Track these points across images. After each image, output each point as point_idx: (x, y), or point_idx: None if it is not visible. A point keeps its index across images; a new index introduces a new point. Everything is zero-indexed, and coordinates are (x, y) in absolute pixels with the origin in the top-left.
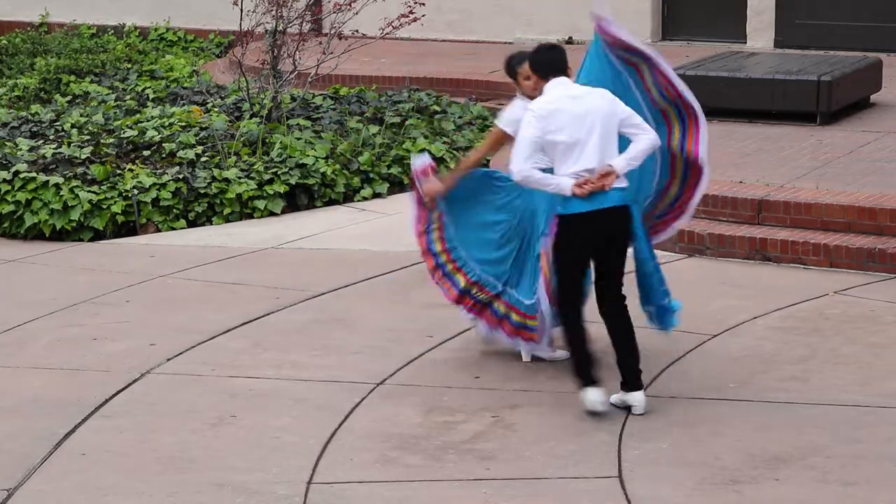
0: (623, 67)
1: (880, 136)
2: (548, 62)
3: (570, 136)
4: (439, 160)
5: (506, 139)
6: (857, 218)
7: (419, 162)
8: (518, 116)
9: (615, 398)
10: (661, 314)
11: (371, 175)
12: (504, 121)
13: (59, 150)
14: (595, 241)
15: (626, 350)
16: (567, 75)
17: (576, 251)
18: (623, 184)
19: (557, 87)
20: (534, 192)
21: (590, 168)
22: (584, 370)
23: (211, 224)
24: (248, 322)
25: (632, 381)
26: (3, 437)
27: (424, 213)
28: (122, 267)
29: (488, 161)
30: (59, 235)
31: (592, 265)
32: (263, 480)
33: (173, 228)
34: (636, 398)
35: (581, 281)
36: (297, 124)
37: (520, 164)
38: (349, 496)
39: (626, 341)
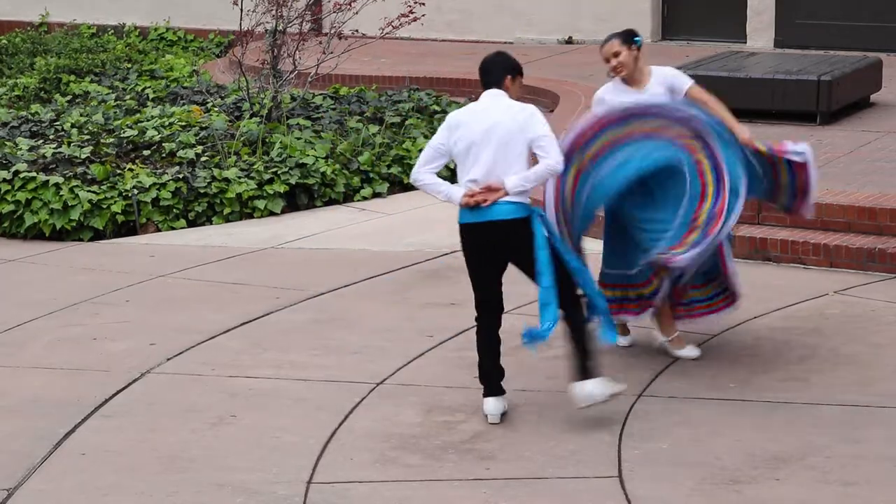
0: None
1: (880, 136)
2: (483, 72)
3: (465, 147)
4: None
5: None
6: (857, 218)
7: None
8: (600, 97)
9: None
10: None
11: (371, 175)
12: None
13: (59, 150)
14: (486, 252)
15: (576, 347)
16: (502, 88)
17: (471, 259)
18: (518, 199)
19: (482, 99)
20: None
21: (475, 180)
22: (482, 377)
23: (211, 224)
24: (248, 322)
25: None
26: (3, 437)
27: None
28: (122, 267)
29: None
30: (59, 235)
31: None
32: (263, 480)
33: (173, 228)
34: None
35: (486, 288)
36: (297, 124)
37: (416, 169)
38: (349, 496)
39: (576, 339)
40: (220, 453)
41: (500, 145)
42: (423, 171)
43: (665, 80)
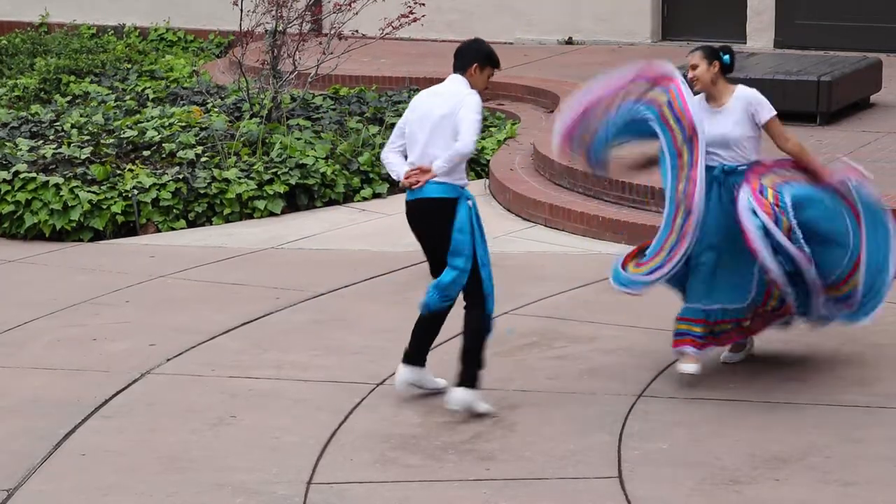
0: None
1: (880, 136)
2: (454, 56)
3: (411, 130)
4: None
5: None
6: None
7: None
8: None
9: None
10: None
11: (371, 175)
12: None
13: (59, 151)
14: (425, 232)
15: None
16: (465, 75)
17: (416, 237)
18: (448, 179)
19: (443, 83)
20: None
21: (412, 162)
22: (408, 344)
23: (211, 224)
24: (248, 322)
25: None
26: (3, 437)
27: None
28: (122, 267)
29: None
30: (59, 235)
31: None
32: (263, 480)
33: (173, 228)
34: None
35: (432, 263)
36: (297, 124)
37: (384, 147)
38: (349, 496)
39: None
40: (220, 454)
41: (432, 128)
42: (389, 149)
43: (747, 105)
